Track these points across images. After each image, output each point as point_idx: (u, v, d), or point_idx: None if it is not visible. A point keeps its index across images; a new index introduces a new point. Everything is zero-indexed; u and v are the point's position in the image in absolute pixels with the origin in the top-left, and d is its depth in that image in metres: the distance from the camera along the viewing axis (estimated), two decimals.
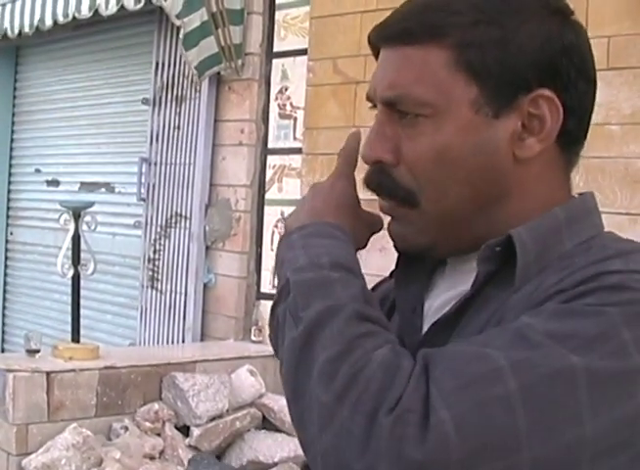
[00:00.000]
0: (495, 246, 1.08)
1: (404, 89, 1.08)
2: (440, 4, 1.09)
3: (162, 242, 6.07)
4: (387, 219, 1.18)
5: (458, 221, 1.11)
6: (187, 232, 5.89)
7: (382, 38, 1.14)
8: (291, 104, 5.53)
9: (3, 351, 7.55)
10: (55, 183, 7.35)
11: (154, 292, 6.09)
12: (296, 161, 5.43)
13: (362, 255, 1.15)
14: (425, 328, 1.14)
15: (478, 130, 1.07)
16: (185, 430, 4.76)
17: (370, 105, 1.17)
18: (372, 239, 1.24)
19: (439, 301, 1.16)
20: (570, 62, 1.09)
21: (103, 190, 6.83)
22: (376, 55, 1.17)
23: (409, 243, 1.16)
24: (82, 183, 7.03)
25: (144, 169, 6.18)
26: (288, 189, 5.51)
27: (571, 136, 1.12)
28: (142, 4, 5.73)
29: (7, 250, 7.88)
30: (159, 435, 4.70)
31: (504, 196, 1.10)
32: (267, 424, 4.90)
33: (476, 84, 1.07)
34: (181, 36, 5.49)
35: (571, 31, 1.10)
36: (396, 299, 1.21)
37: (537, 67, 1.07)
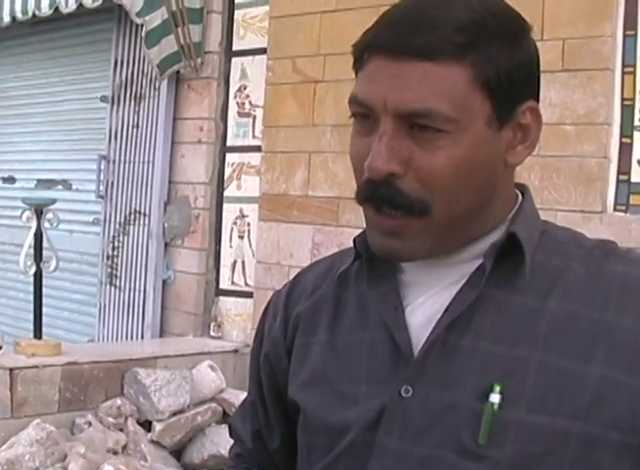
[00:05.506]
0: (500, 245, 1.16)
1: (433, 104, 1.09)
2: (446, 17, 1.10)
3: (121, 239, 6.09)
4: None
5: (461, 224, 1.16)
6: (146, 229, 5.92)
7: (399, 50, 1.11)
8: (250, 102, 5.58)
9: None
10: (11, 180, 7.32)
11: (112, 289, 6.11)
12: (254, 158, 5.48)
13: None
14: (412, 324, 1.19)
15: (488, 143, 1.14)
16: (147, 425, 4.80)
17: (358, 112, 1.16)
18: None
19: (424, 299, 1.21)
20: (539, 73, 1.19)
21: (60, 187, 6.80)
22: (359, 58, 1.15)
23: (407, 255, 1.18)
24: (39, 180, 7.01)
25: (103, 167, 6.19)
26: (247, 187, 5.56)
27: None
28: (100, 1, 5.75)
29: None
30: (121, 430, 4.73)
31: (493, 196, 1.18)
32: (228, 419, 4.94)
33: (489, 100, 1.12)
34: (143, 34, 5.50)
35: (535, 45, 1.18)
36: (370, 299, 1.24)
37: (529, 80, 1.16)
